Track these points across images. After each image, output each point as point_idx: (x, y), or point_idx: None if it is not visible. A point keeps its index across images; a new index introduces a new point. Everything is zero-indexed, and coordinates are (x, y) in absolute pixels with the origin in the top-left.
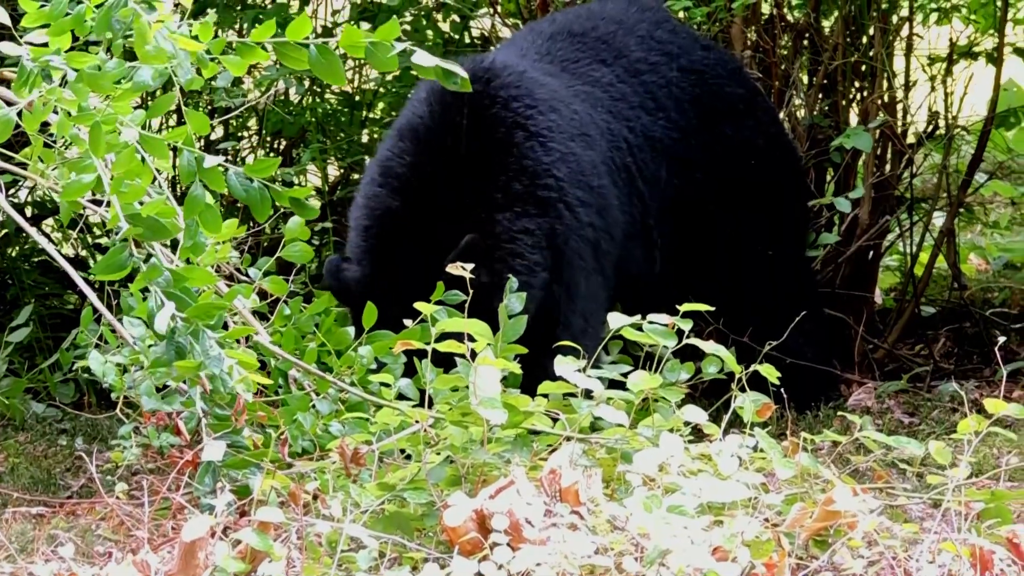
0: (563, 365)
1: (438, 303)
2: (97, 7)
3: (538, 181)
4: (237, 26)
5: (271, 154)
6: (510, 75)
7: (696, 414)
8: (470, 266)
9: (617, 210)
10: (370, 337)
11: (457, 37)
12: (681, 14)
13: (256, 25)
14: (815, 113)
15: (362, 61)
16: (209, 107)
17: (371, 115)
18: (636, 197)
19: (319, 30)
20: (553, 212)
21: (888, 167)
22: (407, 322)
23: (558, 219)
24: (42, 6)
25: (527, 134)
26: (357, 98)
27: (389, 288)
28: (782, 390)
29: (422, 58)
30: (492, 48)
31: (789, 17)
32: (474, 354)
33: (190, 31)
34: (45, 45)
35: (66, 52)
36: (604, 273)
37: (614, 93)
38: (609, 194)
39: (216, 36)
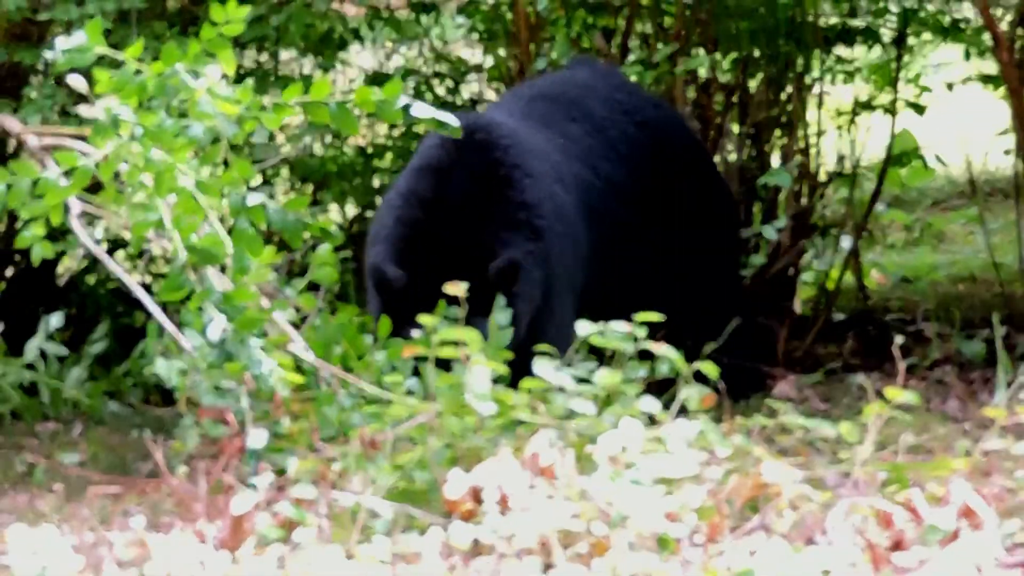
0: (541, 365)
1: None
2: (158, 75)
3: (534, 211)
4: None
5: (300, 196)
6: (506, 129)
7: (651, 404)
8: (465, 284)
9: (585, 243)
10: (385, 344)
11: (451, 99)
12: (634, 77)
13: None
14: (744, 157)
15: (373, 121)
16: (250, 158)
17: (381, 164)
18: (601, 232)
19: (339, 95)
20: (546, 238)
21: (804, 200)
22: (414, 333)
23: (549, 244)
24: (112, 75)
25: (524, 173)
26: (369, 151)
27: (421, 288)
28: (720, 384)
29: (421, 110)
30: (478, 108)
31: (721, 79)
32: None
33: (234, 94)
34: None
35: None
36: (574, 292)
37: (583, 145)
38: (580, 230)
39: (253, 98)
